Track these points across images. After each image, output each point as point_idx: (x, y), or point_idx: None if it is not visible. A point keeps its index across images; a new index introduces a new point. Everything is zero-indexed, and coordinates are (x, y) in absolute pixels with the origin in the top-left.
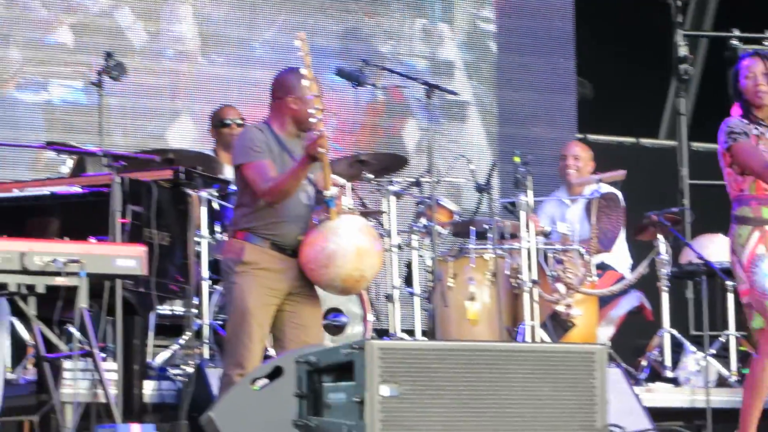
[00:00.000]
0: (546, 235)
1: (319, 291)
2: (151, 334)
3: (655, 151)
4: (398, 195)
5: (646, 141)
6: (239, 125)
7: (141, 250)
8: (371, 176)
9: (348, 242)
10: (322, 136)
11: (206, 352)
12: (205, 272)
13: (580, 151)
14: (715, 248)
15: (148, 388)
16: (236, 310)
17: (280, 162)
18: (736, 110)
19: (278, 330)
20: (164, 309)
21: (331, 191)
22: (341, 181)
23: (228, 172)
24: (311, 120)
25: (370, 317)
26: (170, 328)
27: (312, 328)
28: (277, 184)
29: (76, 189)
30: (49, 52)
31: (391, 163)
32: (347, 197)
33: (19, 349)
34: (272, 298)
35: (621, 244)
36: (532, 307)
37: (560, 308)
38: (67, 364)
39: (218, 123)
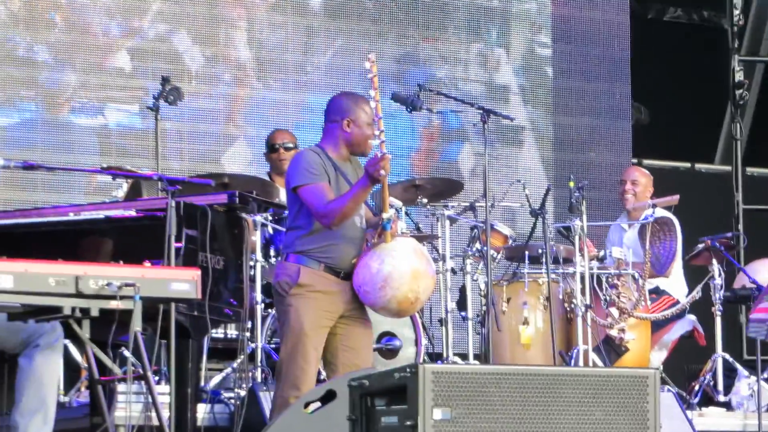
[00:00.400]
0: (600, 259)
1: (372, 315)
2: (204, 357)
3: (709, 176)
4: (453, 219)
5: (701, 166)
6: (287, 149)
7: (195, 273)
8: (426, 201)
9: (404, 264)
10: (385, 158)
11: (259, 376)
12: (259, 296)
13: (639, 175)
14: None
15: (201, 412)
16: (292, 333)
17: (336, 185)
18: None
19: (330, 353)
20: (218, 333)
21: (388, 213)
22: (397, 203)
23: (283, 196)
24: (365, 144)
25: (423, 341)
26: (223, 352)
27: (363, 351)
28: (337, 207)
29: (131, 213)
30: (106, 76)
31: (446, 187)
32: (402, 220)
33: (72, 372)
34: (326, 320)
35: (677, 270)
36: (585, 332)
37: (613, 333)
38: (120, 387)
39: (268, 147)
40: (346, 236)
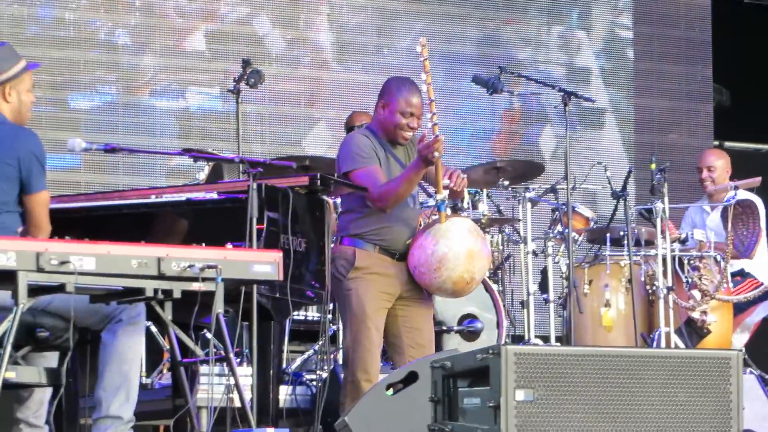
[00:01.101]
0: (682, 241)
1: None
2: (286, 339)
3: None
4: (534, 202)
5: None
6: None
7: (277, 255)
8: (507, 183)
9: (459, 244)
10: (438, 140)
11: (341, 358)
12: None
13: (714, 159)
14: None
15: (283, 394)
16: (355, 317)
17: (386, 166)
18: None
19: (393, 334)
20: (299, 315)
21: (442, 194)
22: (450, 183)
23: None
24: (394, 130)
25: (505, 323)
26: (305, 334)
27: (426, 330)
28: (391, 189)
29: (213, 195)
30: (186, 59)
31: (528, 170)
32: (483, 203)
33: (155, 354)
34: (385, 301)
35: (761, 252)
36: (667, 314)
37: (695, 315)
38: (202, 369)
39: (347, 130)
40: (400, 218)
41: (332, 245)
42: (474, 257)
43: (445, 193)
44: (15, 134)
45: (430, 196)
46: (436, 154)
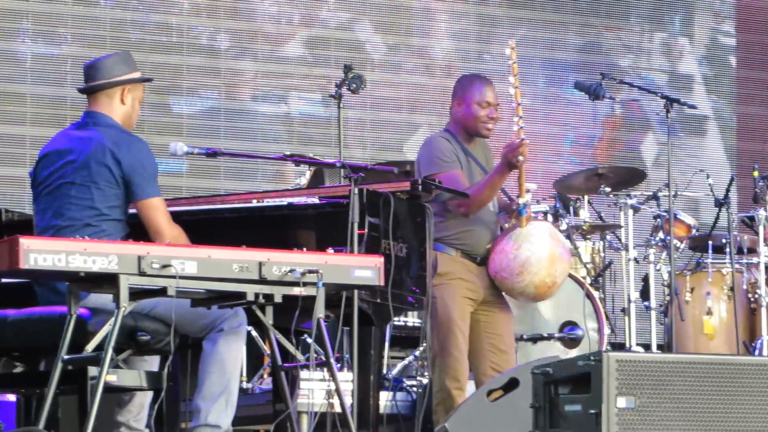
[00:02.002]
0: None
1: (559, 305)
2: (386, 345)
3: None
4: (635, 209)
5: None
6: None
7: (378, 260)
8: (609, 189)
9: (541, 248)
10: (523, 144)
11: None
12: None
13: None
14: None
15: (384, 399)
16: (441, 324)
17: (467, 169)
18: None
19: (474, 339)
20: (400, 320)
21: (524, 198)
22: (532, 186)
23: None
24: (475, 124)
25: (606, 331)
26: (405, 340)
27: (507, 336)
28: (475, 194)
29: (314, 200)
30: (288, 64)
31: (629, 176)
32: (584, 210)
33: (255, 358)
34: (469, 306)
35: None
36: None
37: None
38: (303, 374)
39: None
40: (481, 221)
41: None
42: (556, 261)
43: (528, 196)
44: (122, 139)
45: (511, 199)
46: (521, 158)
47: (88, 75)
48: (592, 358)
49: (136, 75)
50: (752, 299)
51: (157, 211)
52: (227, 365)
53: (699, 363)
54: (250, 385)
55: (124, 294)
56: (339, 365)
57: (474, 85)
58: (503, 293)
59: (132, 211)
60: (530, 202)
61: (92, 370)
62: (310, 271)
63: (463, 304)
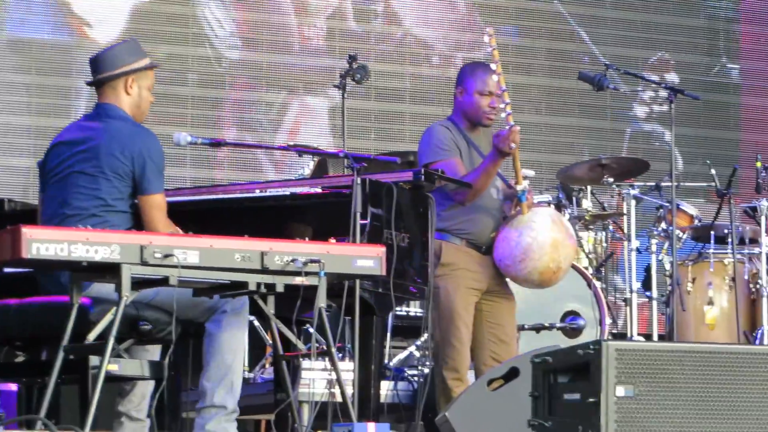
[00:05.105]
0: None
1: (557, 294)
2: (388, 335)
3: None
4: (638, 199)
5: None
6: None
7: (380, 250)
8: (612, 180)
9: (543, 234)
10: (513, 131)
11: None
12: None
13: None
14: None
15: (384, 389)
16: (444, 314)
17: (468, 158)
18: None
19: (476, 329)
20: (402, 310)
21: (522, 185)
22: (530, 173)
23: None
24: (478, 113)
25: (608, 321)
26: (407, 330)
27: (509, 326)
28: (470, 182)
29: (317, 190)
30: (291, 55)
31: (632, 167)
32: (587, 200)
33: (257, 348)
34: (473, 297)
35: None
36: None
37: None
38: (304, 363)
39: None
40: (484, 209)
41: None
42: (559, 246)
43: (525, 183)
44: (132, 132)
45: (510, 187)
46: (513, 145)
47: (92, 68)
48: (591, 347)
49: (142, 63)
50: (753, 289)
51: (156, 209)
52: (231, 347)
53: (697, 352)
54: (252, 375)
55: (126, 284)
56: (340, 355)
57: (476, 74)
58: (509, 282)
59: None
60: (529, 188)
61: (94, 360)
62: (312, 261)
63: (467, 294)
